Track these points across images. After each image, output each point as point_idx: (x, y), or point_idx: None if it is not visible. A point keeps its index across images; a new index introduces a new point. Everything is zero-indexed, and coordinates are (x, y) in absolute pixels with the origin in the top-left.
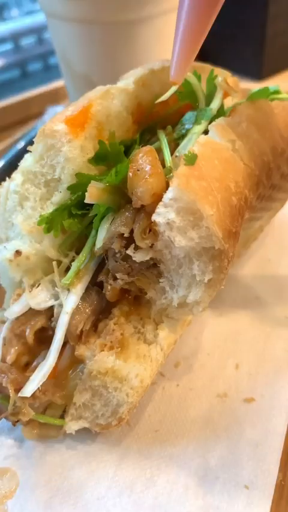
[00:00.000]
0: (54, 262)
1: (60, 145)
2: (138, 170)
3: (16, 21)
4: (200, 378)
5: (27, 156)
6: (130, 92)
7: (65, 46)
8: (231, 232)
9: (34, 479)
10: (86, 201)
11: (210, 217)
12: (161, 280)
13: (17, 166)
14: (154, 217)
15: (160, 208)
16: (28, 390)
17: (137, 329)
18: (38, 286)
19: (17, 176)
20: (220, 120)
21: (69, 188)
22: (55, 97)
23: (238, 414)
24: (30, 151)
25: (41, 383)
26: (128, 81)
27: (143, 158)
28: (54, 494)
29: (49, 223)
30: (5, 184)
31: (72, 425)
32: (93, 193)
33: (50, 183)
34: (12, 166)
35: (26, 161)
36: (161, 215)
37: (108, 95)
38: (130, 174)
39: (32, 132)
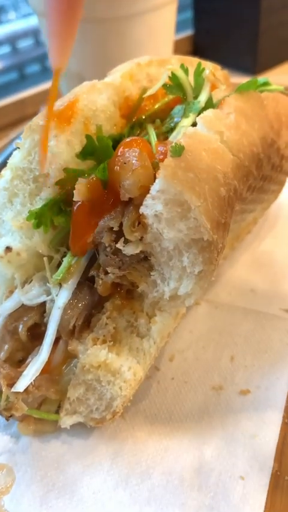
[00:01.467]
0: (45, 258)
1: None
2: (125, 163)
3: (13, 24)
4: (195, 371)
5: (15, 152)
6: (117, 86)
7: None
8: (220, 223)
9: (30, 475)
10: (75, 199)
11: (197, 208)
12: (152, 273)
13: None
14: (142, 210)
15: (148, 200)
16: (21, 385)
17: (129, 322)
18: (30, 282)
19: (5, 173)
20: (208, 112)
21: (57, 183)
22: None
23: (233, 406)
24: (19, 148)
25: (33, 378)
26: (114, 75)
27: (130, 151)
28: (50, 489)
29: (38, 219)
30: None
31: (66, 420)
32: (81, 191)
33: (39, 179)
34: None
35: (14, 158)
36: (149, 207)
37: (94, 89)
38: (117, 167)
39: None
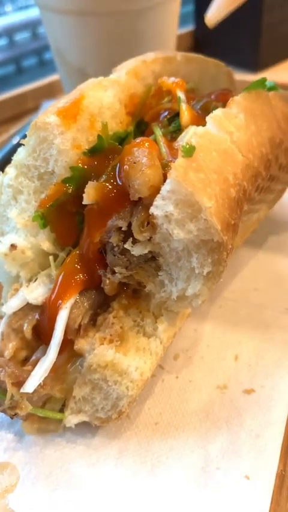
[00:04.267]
0: (50, 257)
1: (52, 137)
2: (134, 162)
3: (10, 17)
4: (200, 370)
5: (20, 149)
6: (122, 83)
7: (59, 39)
8: (229, 224)
9: (34, 473)
10: (85, 202)
11: (208, 209)
12: (159, 273)
13: None
14: (152, 210)
15: (158, 201)
16: (30, 385)
17: (136, 322)
18: (35, 280)
19: (10, 170)
20: (217, 111)
21: (63, 181)
22: (50, 92)
23: (238, 405)
24: (23, 144)
25: (42, 378)
26: (120, 73)
27: (139, 151)
28: (54, 488)
29: (44, 219)
30: None
31: (71, 419)
32: (91, 195)
33: (44, 176)
34: (7, 161)
35: (19, 155)
36: (159, 207)
37: (100, 86)
38: (126, 167)
39: (27, 127)
